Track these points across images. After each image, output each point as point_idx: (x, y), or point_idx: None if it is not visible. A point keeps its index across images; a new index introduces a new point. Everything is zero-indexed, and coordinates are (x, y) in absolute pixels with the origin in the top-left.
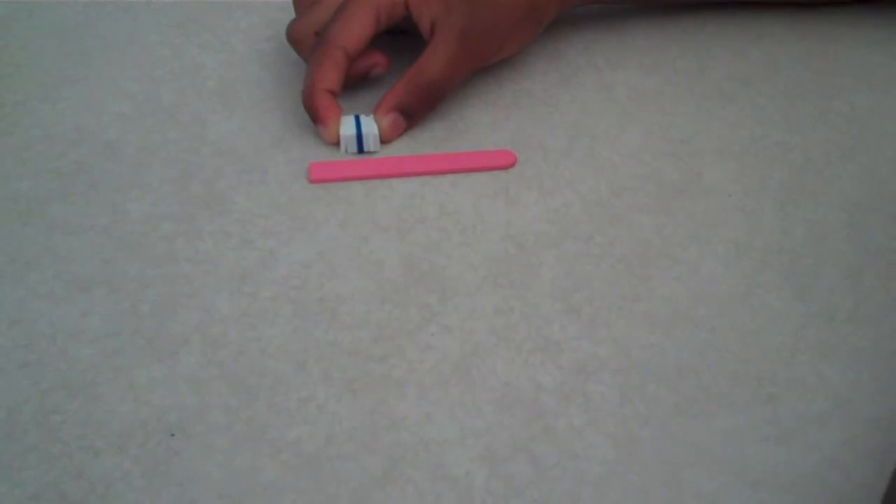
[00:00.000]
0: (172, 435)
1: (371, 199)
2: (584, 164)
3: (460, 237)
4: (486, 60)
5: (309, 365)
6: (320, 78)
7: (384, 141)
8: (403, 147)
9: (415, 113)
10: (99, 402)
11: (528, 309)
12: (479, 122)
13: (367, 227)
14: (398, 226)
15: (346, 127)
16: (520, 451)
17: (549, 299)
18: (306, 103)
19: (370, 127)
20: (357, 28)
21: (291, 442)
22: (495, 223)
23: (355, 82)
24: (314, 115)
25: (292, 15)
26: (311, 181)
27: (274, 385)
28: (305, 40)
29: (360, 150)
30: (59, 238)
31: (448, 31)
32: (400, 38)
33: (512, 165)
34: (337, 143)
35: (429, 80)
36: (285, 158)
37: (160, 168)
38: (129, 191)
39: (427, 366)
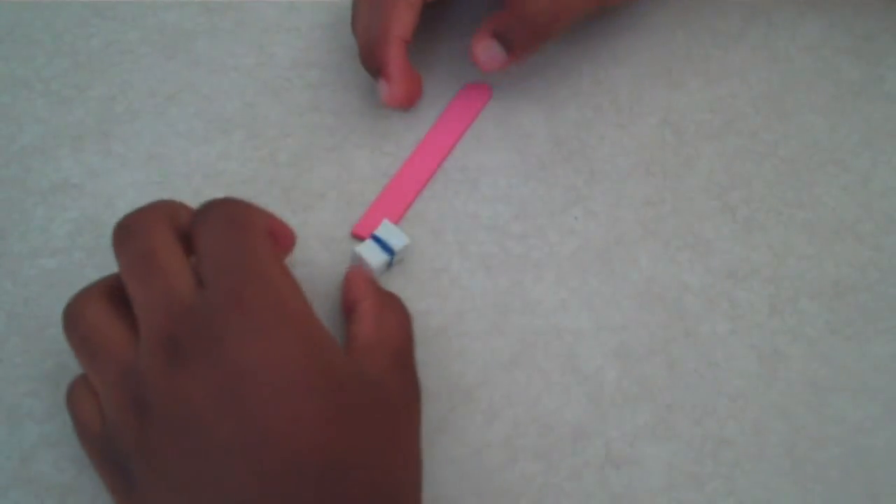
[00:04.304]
0: None
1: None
2: (756, 52)
3: (615, 117)
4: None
5: (445, 235)
6: (395, 23)
7: (484, 70)
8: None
9: (520, 44)
10: None
11: (681, 203)
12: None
13: (517, 95)
14: (549, 98)
15: (372, 254)
16: (656, 353)
17: (704, 195)
18: (373, 52)
19: (397, 238)
20: None
21: (422, 312)
22: (653, 106)
23: None
24: (383, 69)
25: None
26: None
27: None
28: None
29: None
30: (203, 75)
31: None
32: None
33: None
34: (401, 107)
35: (541, 6)
36: None
37: (310, 13)
38: (277, 33)
39: (568, 250)
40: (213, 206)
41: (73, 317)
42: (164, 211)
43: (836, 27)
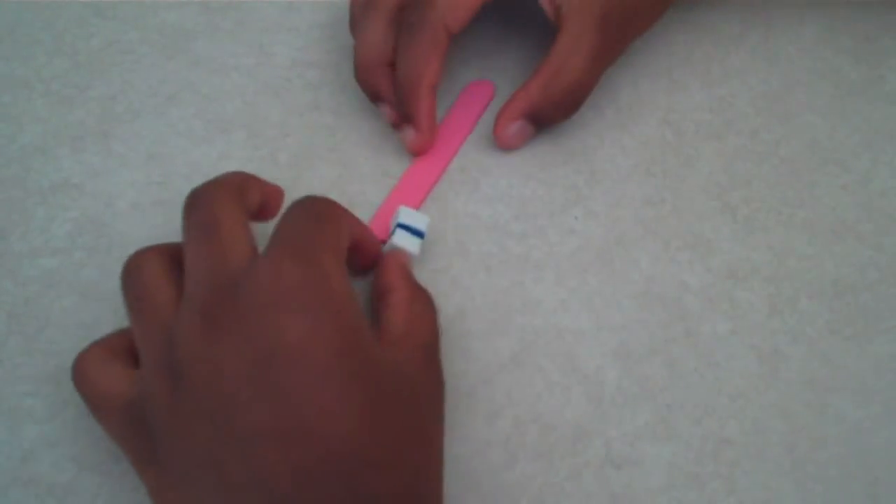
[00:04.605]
0: None
1: None
2: (756, 53)
3: (615, 117)
4: (624, 50)
5: (445, 235)
6: (428, 72)
7: (507, 149)
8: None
9: (550, 121)
10: None
11: (681, 203)
12: None
13: None
14: None
15: (407, 241)
16: (657, 353)
17: (704, 195)
18: (405, 101)
19: (420, 220)
20: None
21: None
22: (653, 106)
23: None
24: (414, 119)
25: None
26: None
27: None
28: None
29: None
30: (203, 75)
31: (585, 16)
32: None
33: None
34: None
35: (571, 81)
36: None
37: (309, 13)
38: (277, 33)
39: (568, 250)
40: (307, 198)
41: (131, 272)
42: (234, 183)
43: (836, 28)
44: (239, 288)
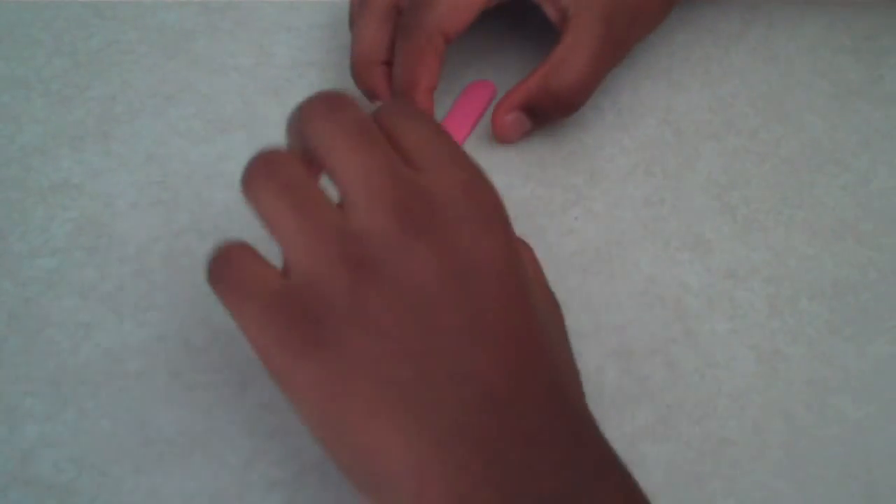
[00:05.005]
0: None
1: None
2: (756, 53)
3: (615, 117)
4: (626, 54)
5: None
6: (424, 74)
7: (504, 142)
8: None
9: (546, 118)
10: None
11: (681, 202)
12: None
13: None
14: None
15: None
16: (657, 352)
17: (704, 195)
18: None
19: None
20: (459, 3)
21: None
22: (653, 106)
23: None
24: None
25: None
26: None
27: None
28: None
29: None
30: (203, 75)
31: (589, 18)
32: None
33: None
34: None
35: (569, 81)
36: None
37: (309, 13)
38: (277, 33)
39: (567, 250)
40: (404, 105)
41: (274, 162)
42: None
43: (836, 27)
44: (428, 194)
